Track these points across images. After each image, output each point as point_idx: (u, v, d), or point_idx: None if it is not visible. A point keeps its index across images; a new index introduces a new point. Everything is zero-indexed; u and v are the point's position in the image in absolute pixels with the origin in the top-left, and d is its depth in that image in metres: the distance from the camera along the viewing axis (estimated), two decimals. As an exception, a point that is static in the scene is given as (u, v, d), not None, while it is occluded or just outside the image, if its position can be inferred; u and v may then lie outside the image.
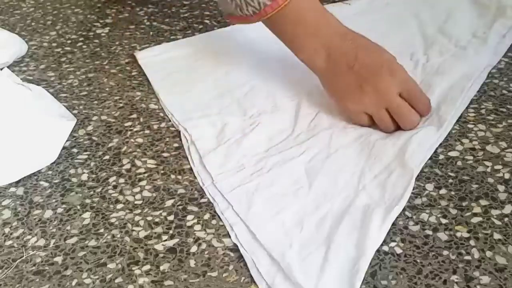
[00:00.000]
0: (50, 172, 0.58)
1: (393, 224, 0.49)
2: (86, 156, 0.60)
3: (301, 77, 0.70)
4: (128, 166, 0.59)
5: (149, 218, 0.52)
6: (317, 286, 0.43)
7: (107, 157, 0.60)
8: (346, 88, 0.60)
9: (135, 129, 0.64)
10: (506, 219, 0.50)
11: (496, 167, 0.56)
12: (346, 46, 0.61)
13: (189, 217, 0.52)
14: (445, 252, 0.47)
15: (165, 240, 0.49)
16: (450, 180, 0.54)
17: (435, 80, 0.66)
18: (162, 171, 0.58)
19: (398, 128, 0.60)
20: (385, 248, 0.47)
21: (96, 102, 0.69)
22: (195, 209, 0.53)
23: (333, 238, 0.47)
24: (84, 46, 0.83)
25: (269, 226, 0.49)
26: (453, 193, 0.53)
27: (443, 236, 0.48)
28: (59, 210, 0.54)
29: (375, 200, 0.51)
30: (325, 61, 0.62)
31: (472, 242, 0.47)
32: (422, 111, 0.60)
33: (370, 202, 0.51)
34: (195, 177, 0.56)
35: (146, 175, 0.57)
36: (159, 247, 0.49)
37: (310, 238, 0.48)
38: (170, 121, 0.65)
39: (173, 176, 0.57)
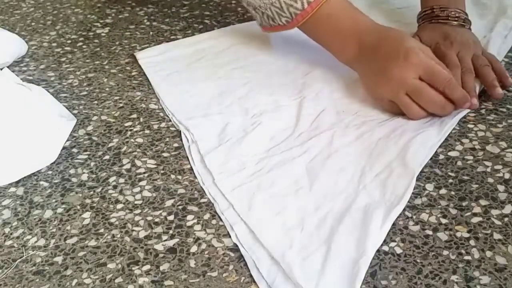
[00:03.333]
0: (50, 172, 0.58)
1: (393, 224, 0.49)
2: (86, 156, 0.60)
3: (303, 76, 0.70)
4: (128, 166, 0.59)
5: (149, 218, 0.52)
6: (317, 286, 0.43)
7: (107, 157, 0.60)
8: (371, 78, 0.64)
9: (135, 129, 0.64)
10: (506, 219, 0.50)
11: (496, 167, 0.56)
12: (373, 40, 0.64)
13: (189, 217, 0.52)
14: (445, 252, 0.47)
15: (165, 240, 0.49)
16: (450, 180, 0.54)
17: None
18: (162, 171, 0.58)
19: (429, 114, 0.60)
20: (385, 248, 0.47)
21: (96, 102, 0.69)
22: (195, 209, 0.53)
23: (334, 238, 0.47)
24: (84, 46, 0.83)
25: (270, 226, 0.49)
26: (453, 193, 0.53)
27: (443, 236, 0.48)
28: (59, 210, 0.54)
29: (375, 200, 0.51)
30: (358, 57, 0.65)
31: (472, 242, 0.47)
32: (442, 87, 0.59)
33: (370, 202, 0.51)
34: (195, 177, 0.56)
35: (146, 175, 0.57)
36: (159, 247, 0.49)
37: (310, 238, 0.48)
38: (170, 121, 0.65)
39: (173, 176, 0.57)
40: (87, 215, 0.53)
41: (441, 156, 0.57)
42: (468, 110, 0.63)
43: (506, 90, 0.67)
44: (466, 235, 0.48)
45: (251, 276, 0.45)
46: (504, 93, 0.64)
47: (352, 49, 0.65)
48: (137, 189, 0.55)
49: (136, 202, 0.54)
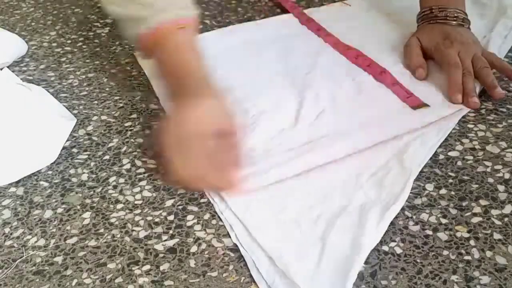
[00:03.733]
0: (50, 172, 0.58)
1: (393, 224, 0.49)
2: (86, 156, 0.60)
3: (303, 76, 0.70)
4: (128, 166, 0.59)
5: (149, 218, 0.52)
6: (313, 284, 0.43)
7: (107, 157, 0.60)
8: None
9: (135, 129, 0.64)
10: (506, 219, 0.50)
11: (496, 167, 0.56)
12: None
13: (189, 217, 0.52)
14: (445, 252, 0.47)
15: (165, 240, 0.49)
16: (450, 180, 0.54)
17: (439, 82, 0.66)
18: (162, 171, 0.57)
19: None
20: (385, 248, 0.47)
21: (96, 102, 0.69)
22: (195, 209, 0.53)
23: (330, 236, 0.47)
24: (84, 46, 0.83)
25: (267, 226, 0.49)
26: (453, 193, 0.53)
27: (443, 236, 0.48)
28: (59, 210, 0.54)
29: (372, 199, 0.51)
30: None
31: (472, 242, 0.47)
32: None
33: (367, 201, 0.51)
34: (195, 177, 0.56)
35: (146, 175, 0.57)
36: (159, 247, 0.49)
37: (306, 237, 0.48)
38: (170, 121, 0.65)
39: (173, 176, 0.57)
40: (87, 215, 0.53)
41: (441, 156, 0.57)
42: (468, 110, 0.63)
43: (506, 90, 0.67)
44: (466, 235, 0.48)
45: (251, 276, 0.45)
46: (505, 93, 0.64)
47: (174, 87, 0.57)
48: (137, 189, 0.55)
49: (136, 202, 0.54)
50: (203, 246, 0.48)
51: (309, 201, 0.52)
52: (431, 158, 0.57)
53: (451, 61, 0.65)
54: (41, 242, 0.50)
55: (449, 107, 0.63)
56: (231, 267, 0.46)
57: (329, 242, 0.47)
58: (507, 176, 0.54)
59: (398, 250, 0.47)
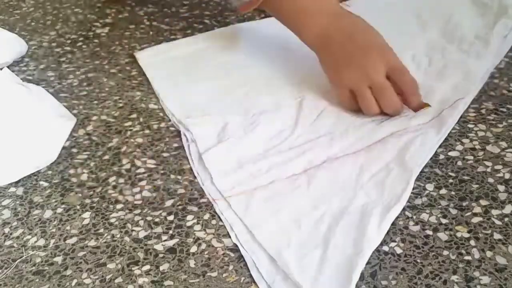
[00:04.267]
0: (50, 172, 0.58)
1: (393, 224, 0.49)
2: (86, 156, 0.60)
3: (303, 77, 0.70)
4: (128, 166, 0.59)
5: (149, 218, 0.52)
6: (314, 285, 0.43)
7: (107, 157, 0.60)
8: (335, 62, 0.62)
9: (135, 129, 0.64)
10: (506, 219, 0.50)
11: (496, 167, 0.56)
12: (343, 25, 0.62)
13: (189, 217, 0.52)
14: (445, 252, 0.47)
15: (165, 240, 0.49)
16: (450, 180, 0.54)
17: (437, 82, 0.66)
18: (162, 171, 0.57)
19: (381, 112, 0.60)
20: (385, 248, 0.47)
21: (96, 102, 0.69)
22: (195, 209, 0.53)
23: (331, 237, 0.47)
24: (84, 46, 0.83)
25: (267, 225, 0.49)
26: (453, 193, 0.53)
27: (443, 236, 0.48)
28: (59, 210, 0.53)
29: (373, 200, 0.51)
30: (321, 39, 0.63)
31: (472, 242, 0.47)
32: (406, 89, 0.60)
33: (368, 202, 0.51)
34: (195, 177, 0.56)
35: (146, 175, 0.57)
36: (159, 247, 0.49)
37: (307, 237, 0.48)
38: (170, 121, 0.65)
39: (173, 176, 0.57)
40: (87, 215, 0.53)
41: (441, 156, 0.57)
42: (467, 102, 0.63)
43: (506, 90, 0.67)
44: (466, 235, 0.48)
45: (251, 276, 0.45)
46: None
47: (314, 29, 0.63)
48: (137, 189, 0.55)
49: (136, 202, 0.54)
50: (203, 246, 0.48)
51: (310, 201, 0.51)
52: (431, 158, 0.56)
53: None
54: (41, 242, 0.50)
55: (450, 97, 0.64)
56: (231, 267, 0.46)
57: (331, 243, 0.47)
58: (507, 176, 0.54)
59: (398, 250, 0.47)
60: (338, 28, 0.62)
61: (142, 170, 0.58)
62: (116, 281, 0.46)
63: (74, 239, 0.50)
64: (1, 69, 0.68)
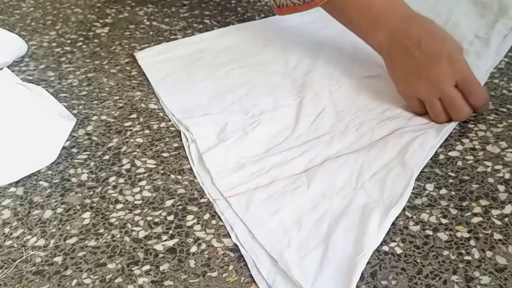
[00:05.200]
0: (50, 172, 0.58)
1: (393, 224, 0.49)
2: (86, 156, 0.60)
3: (303, 76, 0.70)
4: (128, 166, 0.59)
5: (149, 218, 0.52)
6: (314, 285, 0.43)
7: (107, 157, 0.60)
8: (405, 72, 0.61)
9: (135, 129, 0.64)
10: (506, 219, 0.50)
11: (496, 167, 0.56)
12: (411, 30, 0.60)
13: (189, 217, 0.52)
14: (445, 252, 0.47)
15: (165, 240, 0.49)
16: (450, 180, 0.54)
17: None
18: (162, 171, 0.57)
19: (450, 119, 0.60)
20: (385, 248, 0.47)
21: (96, 102, 0.69)
22: (195, 209, 0.53)
23: (331, 237, 0.47)
24: (84, 46, 0.83)
25: (268, 225, 0.49)
26: (453, 193, 0.53)
27: (443, 236, 0.48)
28: (59, 210, 0.53)
29: (374, 199, 0.51)
30: (389, 44, 0.62)
31: (472, 242, 0.47)
32: (476, 104, 0.60)
33: (369, 201, 0.51)
34: (195, 177, 0.56)
35: (146, 175, 0.57)
36: (159, 247, 0.49)
37: (308, 237, 0.48)
38: (170, 121, 0.65)
39: (173, 176, 0.57)
40: (87, 215, 0.53)
41: (441, 156, 0.57)
42: None
43: (506, 90, 0.67)
44: (466, 235, 0.48)
45: (251, 276, 0.45)
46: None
47: (383, 32, 0.62)
48: (137, 189, 0.55)
49: (136, 202, 0.54)
50: (203, 246, 0.48)
51: (310, 201, 0.51)
52: (431, 158, 0.56)
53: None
54: (41, 242, 0.50)
55: None
56: (231, 267, 0.46)
57: (331, 242, 0.47)
58: (507, 176, 0.54)
59: (398, 250, 0.47)
60: (408, 33, 0.60)
61: (142, 170, 0.58)
62: (116, 281, 0.46)
63: (74, 239, 0.50)
64: (1, 69, 0.68)
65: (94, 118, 0.66)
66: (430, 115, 0.61)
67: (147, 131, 0.64)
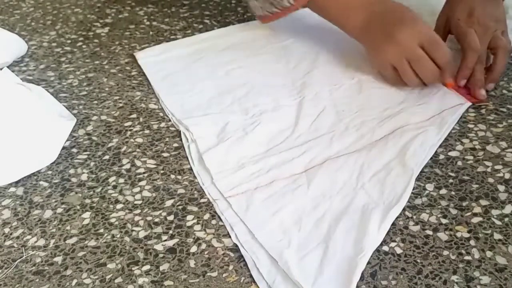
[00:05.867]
0: (50, 172, 0.58)
1: (393, 224, 0.49)
2: (85, 156, 0.60)
3: (303, 76, 0.70)
4: (128, 166, 0.59)
5: (149, 218, 0.52)
6: (314, 285, 0.43)
7: (107, 157, 0.60)
8: (375, 42, 0.67)
9: (135, 129, 0.64)
10: (506, 219, 0.50)
11: (496, 167, 0.56)
12: (378, 11, 0.67)
13: (189, 217, 0.52)
14: (445, 252, 0.47)
15: (165, 240, 0.49)
16: (450, 180, 0.54)
17: (437, 83, 0.66)
18: (162, 171, 0.57)
19: (422, 82, 0.65)
20: (385, 248, 0.47)
21: (96, 102, 0.69)
22: (195, 209, 0.53)
23: (332, 237, 0.47)
24: (84, 46, 0.83)
25: (268, 225, 0.49)
26: (453, 193, 0.53)
27: (443, 236, 0.48)
28: (59, 210, 0.53)
29: (374, 200, 0.51)
30: (364, 28, 0.68)
31: (472, 242, 0.47)
32: (441, 61, 0.63)
33: (369, 201, 0.51)
34: (195, 177, 0.56)
35: (146, 175, 0.57)
36: (159, 247, 0.49)
37: (308, 237, 0.48)
38: (170, 121, 0.65)
39: (173, 176, 0.57)
40: (86, 215, 0.53)
41: (441, 156, 0.57)
42: (468, 106, 0.63)
43: (506, 90, 0.67)
44: (466, 235, 0.48)
45: (251, 276, 0.45)
46: (485, 96, 0.65)
47: (360, 19, 0.68)
48: (137, 189, 0.55)
49: (136, 202, 0.54)
50: (203, 246, 0.48)
51: (310, 201, 0.51)
52: (431, 158, 0.57)
53: (471, 43, 0.66)
54: (41, 242, 0.50)
55: (451, 99, 0.64)
56: (231, 267, 0.46)
57: (331, 243, 0.47)
58: (507, 176, 0.54)
59: (398, 250, 0.47)
60: (375, 14, 0.67)
61: (142, 170, 0.58)
62: (116, 281, 0.46)
63: (74, 239, 0.50)
64: (1, 69, 0.68)
65: (94, 118, 0.66)
66: (405, 81, 0.64)
67: (147, 131, 0.64)
